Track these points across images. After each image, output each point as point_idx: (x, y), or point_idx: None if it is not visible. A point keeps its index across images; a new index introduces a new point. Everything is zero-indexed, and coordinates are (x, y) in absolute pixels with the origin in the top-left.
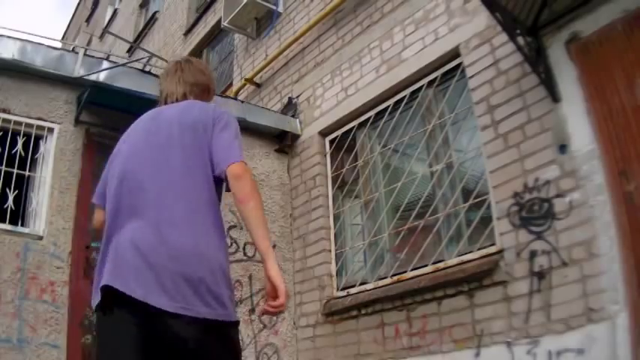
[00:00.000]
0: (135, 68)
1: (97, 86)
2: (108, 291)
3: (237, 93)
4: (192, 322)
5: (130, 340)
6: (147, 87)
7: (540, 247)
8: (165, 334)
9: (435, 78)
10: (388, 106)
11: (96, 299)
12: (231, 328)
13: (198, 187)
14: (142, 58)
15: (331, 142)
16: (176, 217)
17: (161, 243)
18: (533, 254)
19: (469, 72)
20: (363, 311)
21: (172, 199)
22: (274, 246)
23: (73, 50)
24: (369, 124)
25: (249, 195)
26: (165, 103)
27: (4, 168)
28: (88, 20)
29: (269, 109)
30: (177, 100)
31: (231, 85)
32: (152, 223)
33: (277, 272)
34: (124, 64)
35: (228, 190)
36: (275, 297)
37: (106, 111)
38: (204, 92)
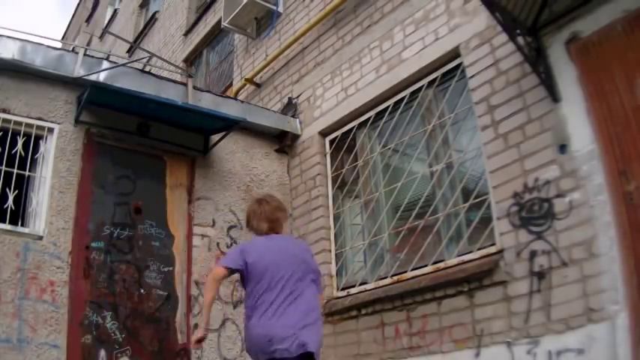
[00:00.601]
0: (135, 68)
1: (97, 86)
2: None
3: (237, 93)
4: None
5: None
6: (147, 87)
7: (540, 247)
8: None
9: (435, 78)
10: (388, 106)
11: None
12: None
13: (312, 299)
14: (142, 58)
15: (331, 142)
16: (294, 313)
17: (294, 327)
18: (533, 254)
19: (469, 72)
20: (363, 311)
21: (300, 310)
22: None
23: (73, 50)
24: (369, 124)
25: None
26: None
27: (4, 168)
28: (88, 20)
29: (269, 109)
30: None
31: (231, 85)
32: (288, 320)
33: None
34: (124, 64)
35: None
36: None
37: (106, 111)
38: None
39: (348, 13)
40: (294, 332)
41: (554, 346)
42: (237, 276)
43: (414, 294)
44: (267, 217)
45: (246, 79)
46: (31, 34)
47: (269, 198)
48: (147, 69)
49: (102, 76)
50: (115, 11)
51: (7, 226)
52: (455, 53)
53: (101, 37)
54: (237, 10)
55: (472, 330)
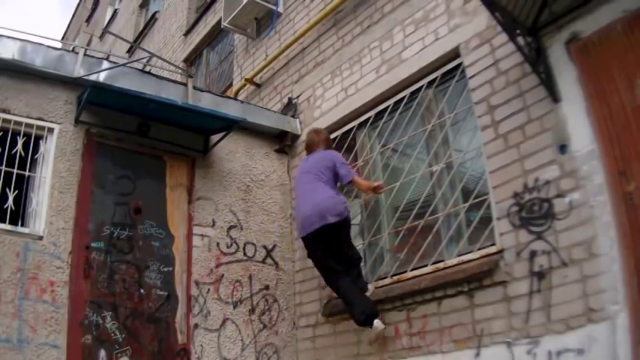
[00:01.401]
0: (135, 68)
1: (97, 86)
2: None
3: (237, 93)
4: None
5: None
6: (147, 87)
7: (540, 247)
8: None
9: (435, 78)
10: (388, 106)
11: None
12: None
13: (324, 186)
14: (142, 58)
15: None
16: (312, 198)
17: (312, 207)
18: (533, 254)
19: (469, 72)
20: None
21: (315, 194)
22: (274, 246)
23: (73, 50)
24: (368, 124)
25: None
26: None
27: (4, 168)
28: (88, 20)
29: (269, 109)
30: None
31: (231, 85)
32: (307, 203)
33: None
34: (124, 64)
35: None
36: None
37: (106, 111)
38: (329, 146)
39: (348, 13)
40: (304, 217)
41: (554, 346)
42: (236, 276)
43: (414, 294)
44: (320, 145)
45: (246, 79)
46: (31, 34)
47: (319, 130)
48: (147, 69)
49: (102, 76)
50: (115, 11)
51: (7, 226)
52: (455, 53)
53: (101, 37)
54: (237, 11)
55: (472, 330)
